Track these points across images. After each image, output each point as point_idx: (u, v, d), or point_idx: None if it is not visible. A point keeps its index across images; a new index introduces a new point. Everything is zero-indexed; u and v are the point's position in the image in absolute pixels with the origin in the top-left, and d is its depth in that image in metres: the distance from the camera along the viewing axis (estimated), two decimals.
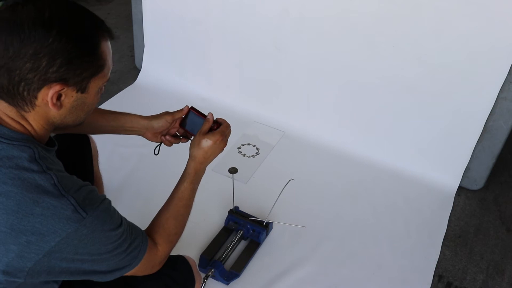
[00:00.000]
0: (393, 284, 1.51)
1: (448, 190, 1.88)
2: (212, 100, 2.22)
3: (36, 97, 0.77)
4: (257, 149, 2.04)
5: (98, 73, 0.80)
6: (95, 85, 0.81)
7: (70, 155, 1.19)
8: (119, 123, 1.18)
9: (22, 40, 0.72)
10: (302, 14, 1.91)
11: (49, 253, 0.76)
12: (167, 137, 1.20)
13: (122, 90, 2.38)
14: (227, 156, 1.97)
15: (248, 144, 2.06)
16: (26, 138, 0.79)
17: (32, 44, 0.72)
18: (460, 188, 1.89)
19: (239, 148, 2.03)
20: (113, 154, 1.90)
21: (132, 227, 0.90)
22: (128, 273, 0.90)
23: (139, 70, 2.48)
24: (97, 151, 1.35)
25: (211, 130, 1.09)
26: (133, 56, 2.60)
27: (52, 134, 1.07)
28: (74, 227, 0.76)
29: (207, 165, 1.10)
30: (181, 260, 1.16)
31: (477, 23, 1.61)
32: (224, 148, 1.10)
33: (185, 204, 1.06)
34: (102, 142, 1.35)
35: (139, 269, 0.91)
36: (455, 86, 1.74)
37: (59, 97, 0.78)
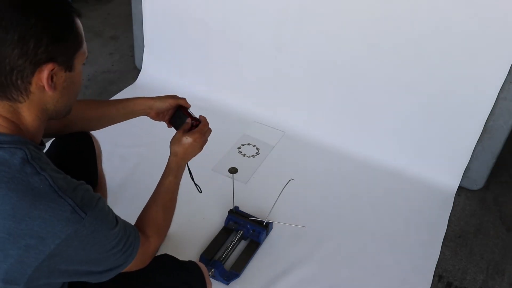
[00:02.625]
0: (393, 284, 1.51)
1: (448, 190, 1.88)
2: (212, 100, 2.22)
3: (30, 83, 0.76)
4: (257, 149, 2.04)
5: (79, 49, 0.81)
6: (78, 62, 0.82)
7: (74, 155, 1.19)
8: (129, 109, 1.20)
9: (5, 27, 0.71)
10: (302, 14, 1.92)
11: (50, 257, 0.75)
12: (169, 124, 1.24)
13: (122, 90, 2.38)
14: (227, 156, 1.97)
15: (248, 144, 2.06)
16: (17, 140, 0.77)
17: (16, 29, 0.72)
18: (460, 188, 1.89)
19: (239, 148, 2.03)
20: (113, 154, 1.90)
21: (125, 224, 0.89)
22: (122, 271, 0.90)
23: (139, 70, 2.48)
24: (101, 151, 1.35)
25: (192, 126, 1.14)
26: (133, 56, 2.60)
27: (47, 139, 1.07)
28: (74, 228, 0.75)
29: (187, 162, 1.13)
30: (194, 266, 1.17)
31: (477, 23, 1.61)
32: (204, 146, 1.14)
33: (171, 198, 1.08)
34: (102, 142, 1.35)
35: (132, 265, 0.90)
36: (455, 86, 1.74)
37: (51, 78, 0.78)
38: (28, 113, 0.80)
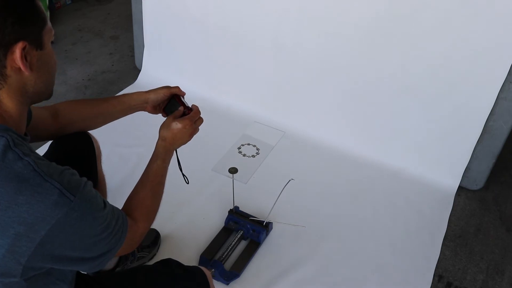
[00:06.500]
0: (393, 284, 1.52)
1: (448, 190, 1.88)
2: (212, 100, 2.22)
3: (5, 66, 0.76)
4: (257, 149, 2.04)
5: (45, 26, 0.81)
6: (47, 39, 0.82)
7: (73, 156, 1.19)
8: (125, 105, 1.20)
9: None
10: (302, 14, 1.92)
11: (42, 244, 0.73)
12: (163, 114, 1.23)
13: (122, 90, 2.38)
14: (227, 156, 1.97)
15: (248, 144, 2.06)
16: None
17: None
18: (460, 188, 1.89)
19: (239, 148, 2.03)
20: (113, 154, 1.90)
21: (113, 208, 0.88)
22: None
23: (139, 70, 2.48)
24: (100, 151, 1.35)
25: (184, 114, 1.13)
26: (133, 56, 2.60)
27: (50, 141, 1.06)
28: (63, 211, 0.73)
29: (175, 148, 1.12)
30: (199, 272, 1.17)
31: (477, 23, 1.61)
32: (194, 135, 1.12)
33: (159, 182, 1.07)
34: (102, 142, 1.35)
35: (121, 250, 0.89)
36: (455, 86, 1.74)
37: (25, 58, 0.77)
38: (8, 99, 0.79)
